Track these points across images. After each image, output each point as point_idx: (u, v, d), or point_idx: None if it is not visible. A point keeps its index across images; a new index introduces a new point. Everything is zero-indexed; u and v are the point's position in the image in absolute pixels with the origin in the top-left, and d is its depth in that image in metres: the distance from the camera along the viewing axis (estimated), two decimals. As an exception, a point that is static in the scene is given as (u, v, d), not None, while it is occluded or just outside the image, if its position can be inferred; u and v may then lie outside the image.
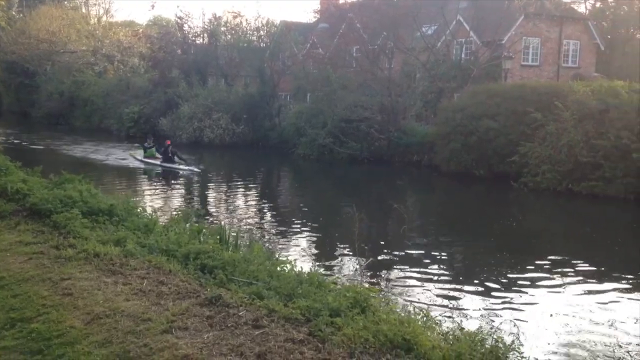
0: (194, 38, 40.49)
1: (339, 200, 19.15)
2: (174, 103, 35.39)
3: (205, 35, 39.81)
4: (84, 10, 59.40)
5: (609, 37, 38.99)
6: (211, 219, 14.05)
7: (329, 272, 9.68)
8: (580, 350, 7.00)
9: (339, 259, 11.28)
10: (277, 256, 7.58)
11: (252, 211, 16.75)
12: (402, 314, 5.42)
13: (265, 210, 16.83)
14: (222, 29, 38.68)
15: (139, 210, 9.55)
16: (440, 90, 27.30)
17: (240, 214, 15.74)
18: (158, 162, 24.06)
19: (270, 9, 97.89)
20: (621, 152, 17.99)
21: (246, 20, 38.04)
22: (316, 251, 11.96)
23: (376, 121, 26.83)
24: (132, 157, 26.09)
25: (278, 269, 6.73)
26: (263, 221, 15.17)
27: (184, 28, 39.59)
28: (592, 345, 7.16)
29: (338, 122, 27.33)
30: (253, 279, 6.18)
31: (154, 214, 10.13)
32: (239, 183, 22.16)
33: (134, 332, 4.86)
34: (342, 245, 12.32)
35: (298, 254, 11.23)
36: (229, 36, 38.42)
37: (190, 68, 38.24)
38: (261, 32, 36.53)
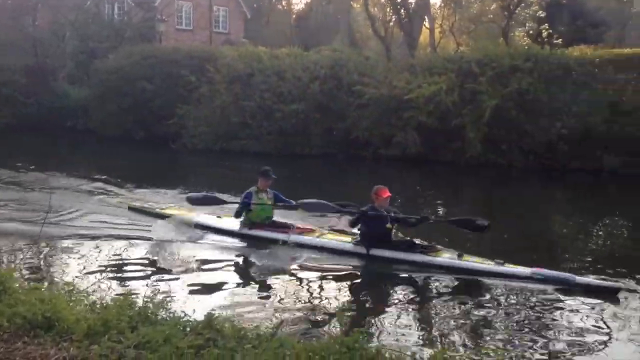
0: None
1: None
2: None
3: None
4: None
5: (255, 6, 42.31)
6: None
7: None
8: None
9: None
10: None
11: None
12: (46, 292, 5.16)
13: None
14: None
15: None
16: (92, 50, 26.01)
17: None
18: (351, 246, 8.44)
19: None
20: (265, 112, 20.00)
21: None
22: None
23: (21, 84, 24.33)
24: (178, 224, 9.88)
25: None
26: None
27: None
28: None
29: (-28, 85, 23.79)
30: None
31: None
32: None
33: None
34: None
35: None
36: None
37: None
38: None
